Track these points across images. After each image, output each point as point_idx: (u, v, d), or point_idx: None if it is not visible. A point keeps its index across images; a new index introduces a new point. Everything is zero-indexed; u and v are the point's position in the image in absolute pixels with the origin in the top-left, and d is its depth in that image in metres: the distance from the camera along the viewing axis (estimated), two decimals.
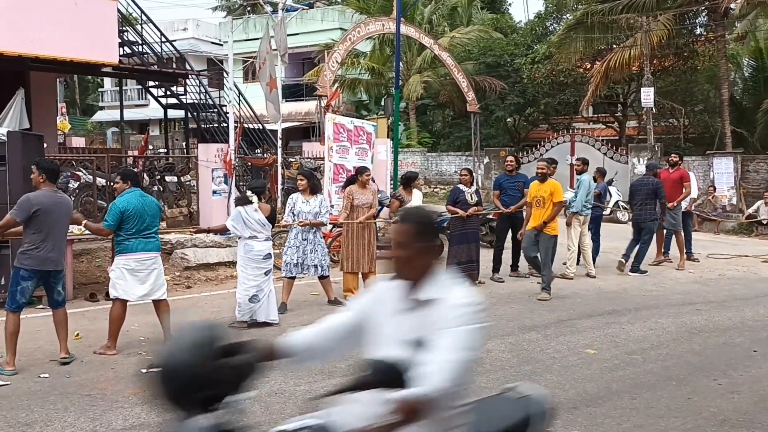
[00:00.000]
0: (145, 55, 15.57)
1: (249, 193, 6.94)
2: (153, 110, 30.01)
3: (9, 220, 5.45)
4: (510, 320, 7.39)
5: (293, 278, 7.87)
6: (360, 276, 8.42)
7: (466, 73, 21.96)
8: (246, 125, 17.15)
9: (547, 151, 21.45)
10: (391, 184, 13.55)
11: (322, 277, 7.97)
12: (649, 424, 4.56)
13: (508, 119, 28.15)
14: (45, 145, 9.06)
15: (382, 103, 26.96)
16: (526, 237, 8.77)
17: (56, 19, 10.58)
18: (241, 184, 12.32)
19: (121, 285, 6.00)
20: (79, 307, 6.93)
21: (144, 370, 5.38)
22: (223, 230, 7.18)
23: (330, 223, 8.91)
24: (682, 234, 11.23)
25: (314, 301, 8.28)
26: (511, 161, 10.10)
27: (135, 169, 9.77)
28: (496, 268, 9.83)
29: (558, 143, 21.99)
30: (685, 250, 11.26)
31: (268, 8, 13.23)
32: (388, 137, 15.86)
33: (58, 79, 17.98)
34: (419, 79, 25.45)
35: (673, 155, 11.67)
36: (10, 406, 4.68)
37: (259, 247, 6.87)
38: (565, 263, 9.97)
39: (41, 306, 6.98)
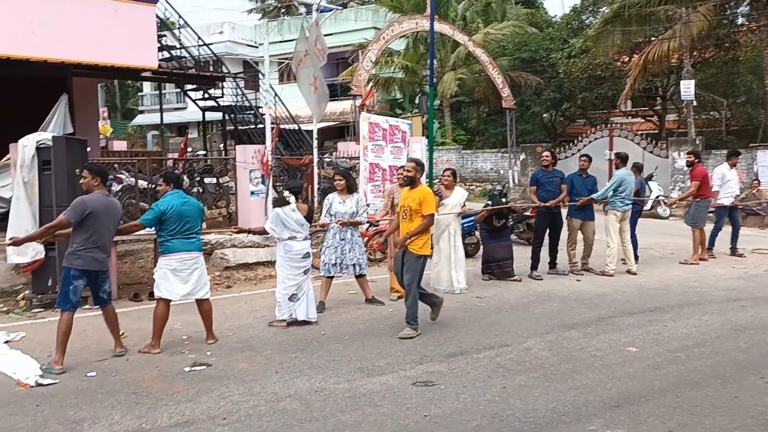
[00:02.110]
0: (183, 59, 15.85)
1: (286, 193, 7.01)
2: (191, 113, 30.55)
3: (62, 220, 5.61)
4: (549, 318, 7.32)
5: (331, 277, 7.92)
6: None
7: (501, 69, 21.81)
8: (282, 126, 17.31)
9: (585, 146, 21.16)
10: (426, 182, 13.51)
11: (359, 276, 8.01)
12: (694, 423, 4.48)
13: (545, 115, 27.85)
14: (89, 149, 9.29)
15: (417, 101, 26.92)
16: (396, 258, 7.04)
17: (97, 25, 10.83)
18: (277, 184, 12.44)
19: (164, 285, 6.12)
20: (124, 307, 7.08)
21: (187, 369, 5.51)
22: (262, 232, 7.27)
23: (368, 222, 8.96)
24: (701, 233, 11.01)
25: (352, 299, 8.33)
26: (547, 156, 10.00)
27: (175, 171, 9.93)
28: (534, 265, 9.74)
29: (596, 138, 21.67)
30: (703, 247, 11.05)
31: (303, 9, 13.30)
32: (423, 135, 15.83)
33: (99, 85, 18.41)
34: (453, 76, 25.35)
35: (688, 155, 11.54)
36: (59, 404, 4.81)
37: (297, 246, 6.94)
38: (622, 261, 9.86)
39: (87, 306, 7.16)
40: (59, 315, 5.72)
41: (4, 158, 9.62)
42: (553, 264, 10.00)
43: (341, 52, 28.48)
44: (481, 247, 10.35)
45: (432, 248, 7.37)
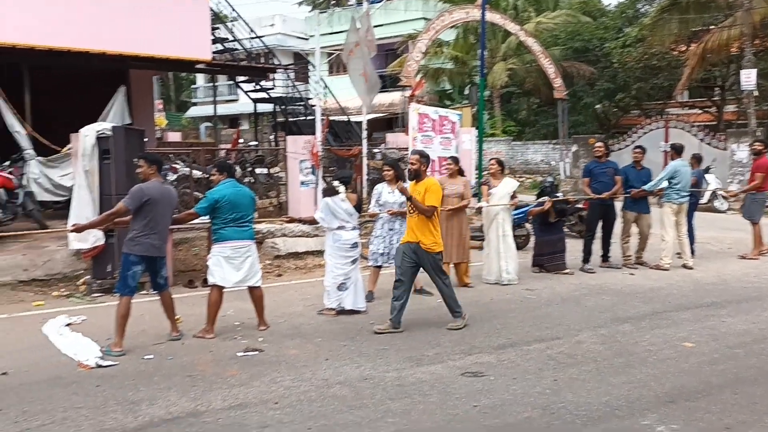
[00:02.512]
0: (236, 52, 16.09)
1: (336, 183, 7.07)
2: (242, 105, 31.02)
3: (121, 207, 5.80)
4: (602, 312, 7.20)
5: (380, 267, 7.96)
6: (452, 267, 8.42)
7: (553, 59, 21.45)
8: (331, 117, 17.42)
9: (639, 138, 20.64)
10: (476, 174, 13.44)
11: None
12: (753, 420, 4.35)
13: (597, 106, 27.28)
14: (146, 139, 9.54)
15: (466, 92, 26.70)
16: (398, 252, 6.71)
17: (153, 19, 11.09)
18: (326, 175, 12.54)
19: (218, 272, 6.25)
20: (179, 293, 7.25)
21: (240, 354, 5.62)
22: (312, 221, 7.35)
23: None
24: (758, 227, 10.60)
25: None
26: (600, 147, 9.80)
27: (228, 161, 10.12)
28: (586, 258, 9.57)
29: (651, 129, 21.11)
30: (761, 242, 10.64)
31: (353, 0, 13.35)
32: (472, 126, 15.72)
33: (155, 77, 18.85)
34: (504, 66, 25.06)
35: (756, 143, 11.07)
36: (118, 385, 4.98)
37: (346, 236, 6.99)
38: (677, 255, 9.63)
39: (144, 292, 7.37)
40: (118, 299, 5.91)
41: (66, 148, 9.96)
42: (605, 257, 9.81)
43: (390, 43, 28.45)
44: (532, 239, 10.24)
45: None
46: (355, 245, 7.05)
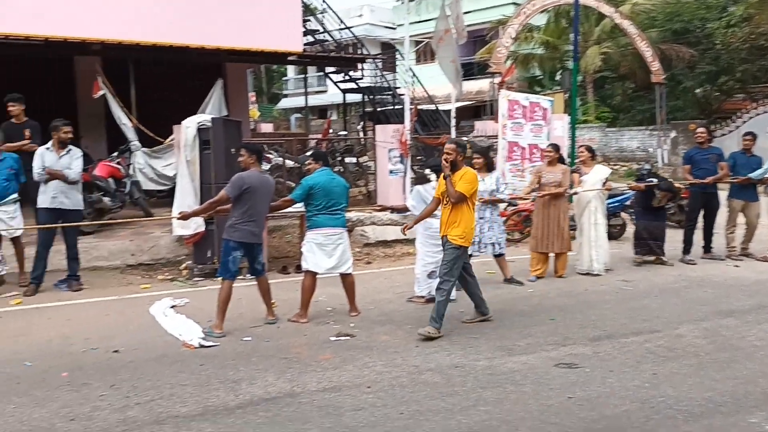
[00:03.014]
0: (326, 43, 16.35)
1: (427, 171, 7.08)
2: (331, 96, 31.52)
3: (222, 195, 6.05)
4: (703, 305, 6.87)
5: (470, 256, 7.91)
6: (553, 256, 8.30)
7: (651, 41, 20.50)
8: (419, 106, 17.42)
9: (744, 123, 19.46)
10: (568, 161, 13.08)
11: (498, 256, 7.95)
12: None
13: (698, 90, 25.88)
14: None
15: (557, 78, 25.99)
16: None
17: (248, 12, 11.45)
18: (414, 165, 12.57)
19: (311, 258, 6.42)
20: (273, 279, 7.45)
21: (333, 338, 5.74)
22: (403, 209, 7.40)
23: (509, 201, 8.87)
24: None
25: (489, 279, 8.27)
26: (702, 132, 9.32)
27: (323, 150, 10.31)
28: (686, 248, 9.16)
29: (757, 114, 19.85)
30: None
31: None
32: (564, 113, 15.31)
33: (248, 70, 19.46)
34: (598, 50, 24.21)
35: None
36: (220, 365, 5.21)
37: (437, 224, 6.98)
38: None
39: (241, 277, 7.65)
40: (220, 283, 6.18)
41: (168, 139, 10.47)
42: (707, 248, 9.36)
43: (479, 30, 28.05)
44: (629, 228, 9.90)
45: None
46: None
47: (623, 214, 11.25)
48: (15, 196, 7.67)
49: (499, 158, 11.34)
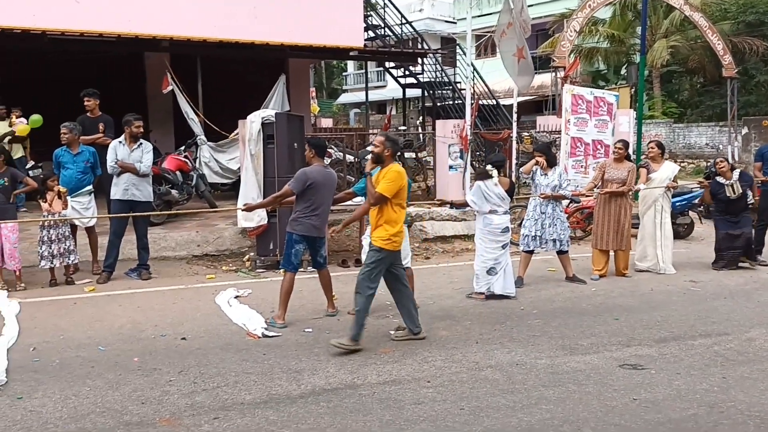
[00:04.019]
0: (387, 38, 16.39)
1: (489, 167, 7.03)
2: (390, 91, 31.55)
3: (287, 190, 6.16)
4: None
5: (531, 252, 7.84)
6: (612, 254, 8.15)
7: (722, 34, 19.69)
8: (480, 101, 17.27)
9: None
10: (633, 157, 12.75)
11: (561, 253, 7.83)
12: None
13: None
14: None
15: (622, 73, 25.30)
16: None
17: (311, 8, 11.60)
18: (473, 160, 12.49)
19: None
20: (332, 272, 7.53)
21: (392, 332, 5.76)
22: (463, 204, 7.38)
23: (572, 197, 8.72)
24: None
25: (551, 276, 8.18)
26: None
27: None
28: (758, 249, 8.80)
29: None
30: None
31: None
32: (630, 108, 14.92)
33: (310, 65, 19.70)
34: (665, 44, 23.44)
35: None
36: (282, 354, 5.32)
37: (498, 220, 6.95)
38: None
39: (302, 269, 7.77)
40: (282, 275, 6.30)
41: (233, 133, 10.72)
42: None
43: (541, 23, 27.57)
44: (696, 228, 9.58)
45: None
46: (506, 230, 7.00)
47: (691, 213, 10.90)
48: (89, 188, 8.01)
49: (561, 154, 11.15)
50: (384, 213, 5.52)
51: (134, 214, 7.68)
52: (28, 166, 10.60)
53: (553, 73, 23.71)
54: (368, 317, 6.31)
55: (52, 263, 7.50)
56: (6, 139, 10.27)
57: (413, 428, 3.99)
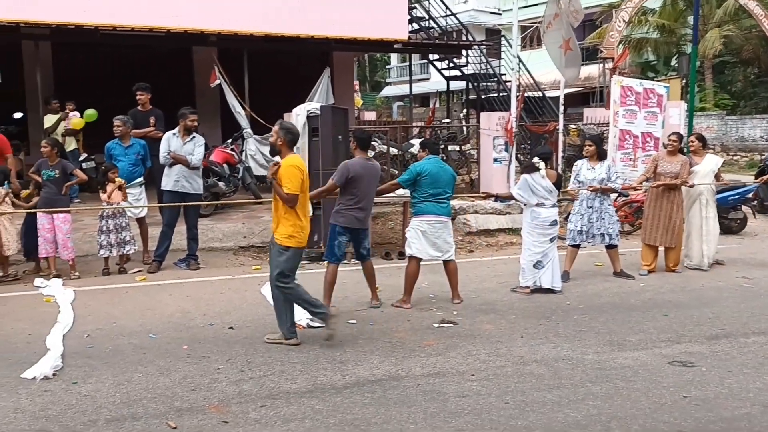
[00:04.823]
0: (431, 30, 16.31)
1: (536, 160, 6.95)
2: (433, 83, 31.42)
3: (331, 185, 6.21)
4: None
5: (577, 246, 7.73)
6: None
7: None
8: (526, 93, 17.06)
9: None
10: (685, 149, 12.43)
11: (609, 247, 7.70)
12: None
13: None
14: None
15: (673, 63, 24.64)
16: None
17: (355, 1, 11.62)
18: (518, 154, 12.35)
19: (415, 244, 6.47)
20: (376, 265, 7.55)
21: (436, 325, 5.77)
22: (509, 197, 7.32)
23: (620, 191, 8.56)
24: None
25: (598, 271, 8.05)
26: None
27: (431, 139, 10.32)
28: None
29: None
30: None
31: None
32: (681, 100, 14.54)
33: (354, 59, 19.74)
34: (718, 33, 22.72)
35: None
36: (327, 345, 5.36)
37: (545, 213, 6.87)
38: None
39: (345, 261, 7.82)
40: (325, 267, 6.36)
41: None
42: None
43: (588, 14, 27.00)
44: (750, 223, 9.28)
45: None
46: (554, 223, 6.92)
47: (744, 208, 10.58)
48: (140, 179, 8.21)
49: (609, 146, 10.94)
50: (284, 207, 5.23)
51: (184, 203, 7.79)
52: (81, 158, 10.91)
53: (601, 65, 23.29)
54: (412, 309, 6.37)
55: (110, 252, 7.74)
56: (61, 132, 10.59)
57: (457, 421, 3.98)
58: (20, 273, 7.79)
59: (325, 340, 5.36)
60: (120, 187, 7.77)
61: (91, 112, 10.28)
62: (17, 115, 12.59)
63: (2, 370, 4.79)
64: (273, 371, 4.79)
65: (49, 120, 10.56)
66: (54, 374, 4.69)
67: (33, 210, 7.55)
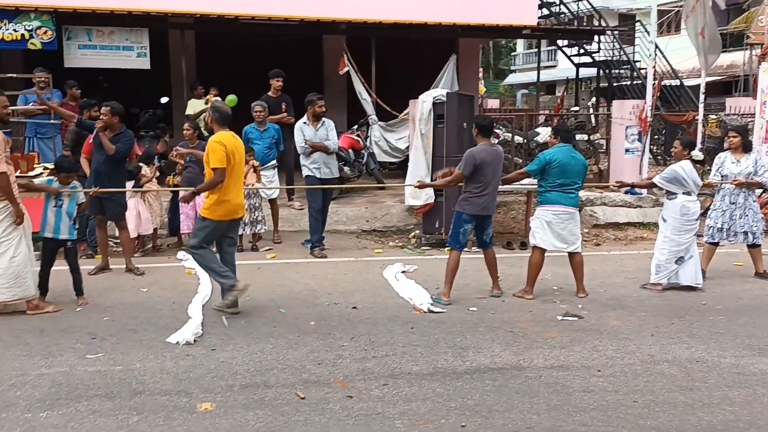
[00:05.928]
0: (561, 15, 15.81)
1: (696, 153, 6.60)
2: (561, 71, 30.46)
3: (458, 174, 6.21)
4: None
5: (716, 244, 7.27)
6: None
7: None
8: (663, 81, 16.17)
9: None
10: None
11: (752, 246, 7.18)
12: None
13: None
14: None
15: None
16: None
17: None
18: (651, 144, 11.75)
19: (540, 234, 6.34)
20: (497, 254, 7.53)
21: (559, 318, 5.64)
22: (649, 185, 7.00)
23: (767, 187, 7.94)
24: None
25: (736, 271, 7.54)
26: None
27: (566, 126, 10.01)
28: None
29: None
30: None
31: None
32: None
33: (480, 45, 19.53)
34: None
35: None
36: (447, 331, 5.40)
37: (694, 207, 6.51)
38: None
39: (467, 249, 7.81)
40: (446, 253, 6.39)
41: (403, 113, 10.96)
42: None
43: None
44: None
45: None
46: (699, 217, 6.56)
47: None
48: (274, 162, 8.61)
49: (755, 139, 10.16)
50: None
51: (318, 186, 7.90)
52: None
53: (747, 51, 21.63)
54: (534, 300, 6.28)
55: (244, 231, 8.17)
56: (201, 117, 11.29)
57: (582, 416, 3.89)
58: (164, 246, 8.42)
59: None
60: (255, 169, 8.16)
61: (232, 98, 10.84)
62: (164, 100, 13.50)
63: (150, 333, 5.23)
64: (395, 352, 4.89)
65: (192, 106, 11.27)
66: (195, 340, 5.06)
67: (176, 189, 8.11)
